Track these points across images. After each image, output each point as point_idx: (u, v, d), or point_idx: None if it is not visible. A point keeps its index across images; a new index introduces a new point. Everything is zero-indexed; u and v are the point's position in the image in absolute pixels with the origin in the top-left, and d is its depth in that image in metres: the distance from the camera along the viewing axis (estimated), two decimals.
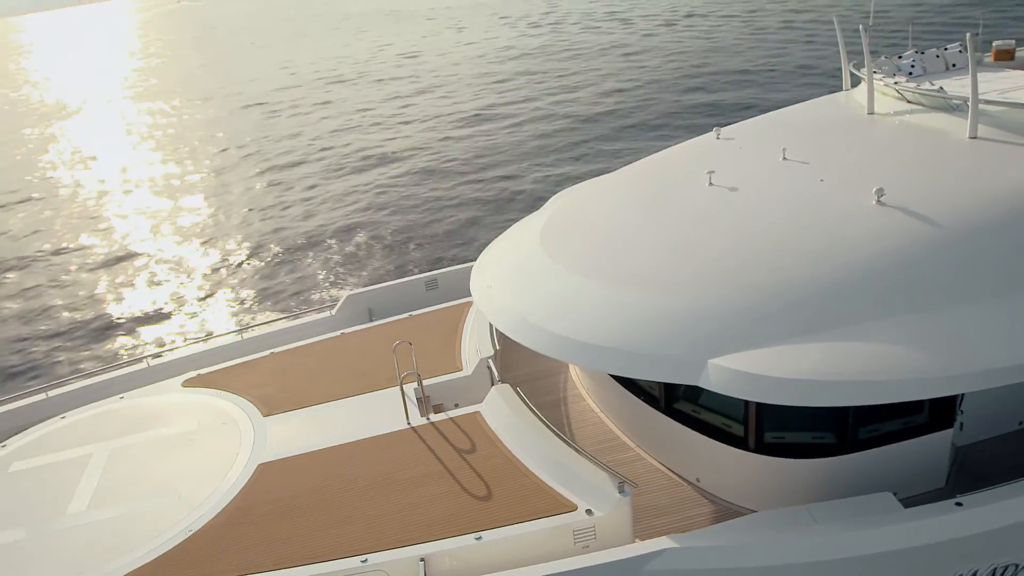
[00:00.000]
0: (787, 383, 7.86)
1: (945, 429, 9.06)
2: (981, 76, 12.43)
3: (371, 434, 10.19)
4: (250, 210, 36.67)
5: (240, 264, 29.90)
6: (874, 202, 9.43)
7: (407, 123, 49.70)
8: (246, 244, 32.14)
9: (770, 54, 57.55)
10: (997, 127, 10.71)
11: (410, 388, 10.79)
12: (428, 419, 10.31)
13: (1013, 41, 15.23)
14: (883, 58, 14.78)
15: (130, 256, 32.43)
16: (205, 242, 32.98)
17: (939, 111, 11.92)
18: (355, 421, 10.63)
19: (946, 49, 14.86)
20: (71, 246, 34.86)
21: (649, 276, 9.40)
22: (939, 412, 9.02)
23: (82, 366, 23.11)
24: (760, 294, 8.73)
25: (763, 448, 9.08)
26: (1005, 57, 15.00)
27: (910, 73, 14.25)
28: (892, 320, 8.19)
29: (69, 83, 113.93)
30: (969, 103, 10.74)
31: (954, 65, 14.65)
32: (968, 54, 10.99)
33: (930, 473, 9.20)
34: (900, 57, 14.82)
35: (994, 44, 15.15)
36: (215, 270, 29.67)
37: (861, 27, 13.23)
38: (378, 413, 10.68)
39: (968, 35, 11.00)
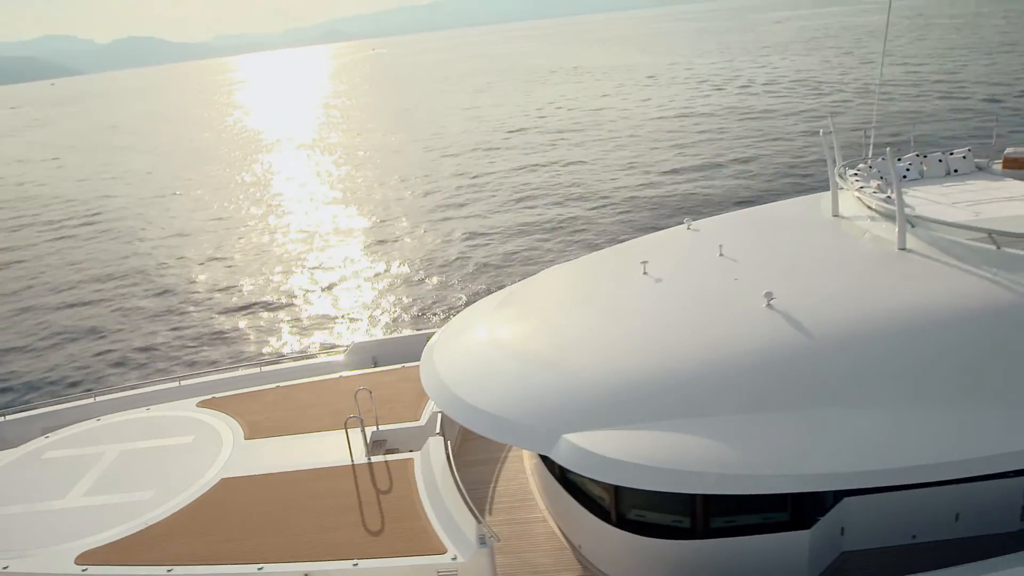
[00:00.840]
0: (624, 465, 8.41)
1: (802, 529, 9.19)
2: (983, 184, 13.46)
3: (319, 466, 11.70)
4: (410, 232, 36.94)
5: (374, 283, 28.99)
6: (764, 305, 9.72)
7: (579, 180, 48.33)
8: (390, 268, 31.48)
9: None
10: (930, 242, 10.71)
11: (377, 429, 12.54)
12: (370, 459, 11.68)
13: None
14: (880, 159, 14.78)
15: (275, 272, 32.78)
16: (353, 265, 32.57)
17: (892, 219, 11.68)
18: (313, 453, 12.13)
19: (951, 154, 14.83)
20: (234, 258, 35.93)
21: (551, 355, 10.16)
22: (800, 512, 9.25)
23: (136, 375, 25.60)
24: (633, 379, 9.31)
25: (624, 524, 9.68)
26: (1014, 166, 14.56)
27: (904, 176, 14.45)
28: (748, 416, 8.58)
29: (269, 117, 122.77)
30: (896, 215, 10.91)
31: (956, 171, 14.61)
32: (889, 163, 11.06)
33: (789, 571, 9.34)
34: (900, 160, 14.80)
35: (1005, 151, 14.81)
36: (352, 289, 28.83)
37: (821, 131, 13.64)
38: (334, 449, 12.05)
39: (888, 149, 11.58)
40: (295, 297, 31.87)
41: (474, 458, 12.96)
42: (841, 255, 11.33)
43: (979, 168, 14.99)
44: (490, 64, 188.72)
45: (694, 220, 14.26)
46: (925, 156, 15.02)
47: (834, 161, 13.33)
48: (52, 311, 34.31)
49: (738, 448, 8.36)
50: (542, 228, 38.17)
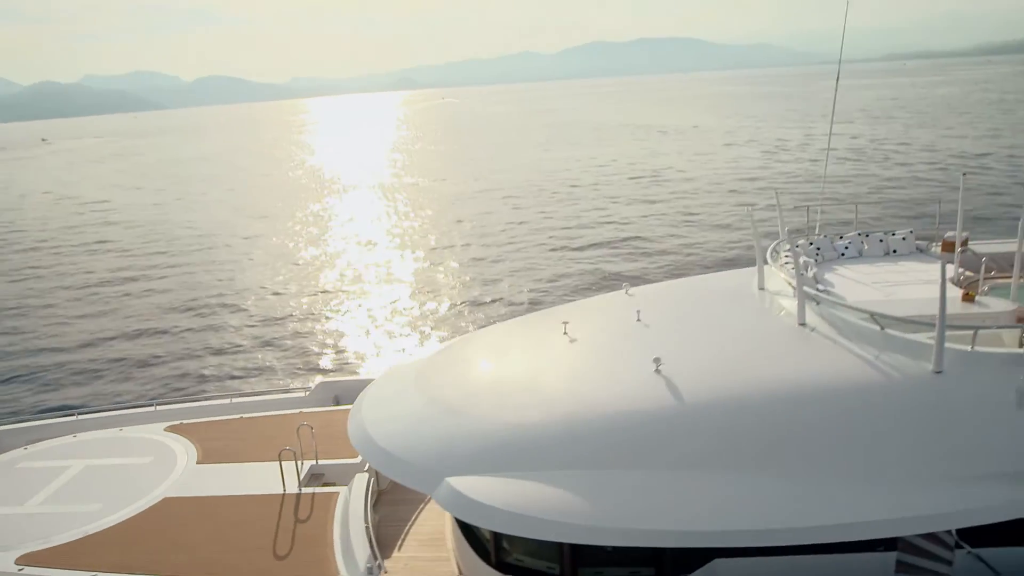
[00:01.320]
0: (494, 511, 9.03)
1: None
2: (914, 265, 14.13)
3: (254, 493, 12.75)
4: (441, 273, 38.06)
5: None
6: (652, 370, 10.29)
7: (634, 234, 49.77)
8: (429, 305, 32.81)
9: None
10: (828, 320, 10.97)
11: (316, 463, 13.62)
12: (300, 490, 12.71)
13: (966, 233, 14.86)
14: (823, 236, 15.30)
15: (325, 304, 34.44)
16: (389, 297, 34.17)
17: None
18: (253, 480, 13.18)
19: (893, 234, 15.38)
20: (287, 287, 37.95)
21: (458, 402, 10.98)
22: (666, 569, 9.54)
23: (126, 397, 26.93)
24: (523, 430, 9.95)
25: (502, 567, 10.18)
26: (950, 248, 14.57)
27: (842, 254, 15.01)
28: (623, 472, 9.22)
29: (335, 158, 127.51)
30: (796, 292, 11.28)
31: (895, 251, 15.15)
32: (789, 246, 11.64)
33: None
34: (841, 237, 15.44)
35: (945, 235, 15.12)
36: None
37: (747, 208, 14.35)
38: (273, 478, 12.98)
39: (787, 229, 12.12)
40: (301, 332, 32.95)
41: (403, 496, 13.47)
42: (746, 326, 11.79)
43: (919, 250, 15.48)
44: (554, 118, 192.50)
45: (633, 286, 14.95)
46: (867, 235, 15.56)
47: (758, 238, 13.78)
48: (82, 331, 36.88)
49: (608, 501, 8.98)
50: (582, 278, 39.33)
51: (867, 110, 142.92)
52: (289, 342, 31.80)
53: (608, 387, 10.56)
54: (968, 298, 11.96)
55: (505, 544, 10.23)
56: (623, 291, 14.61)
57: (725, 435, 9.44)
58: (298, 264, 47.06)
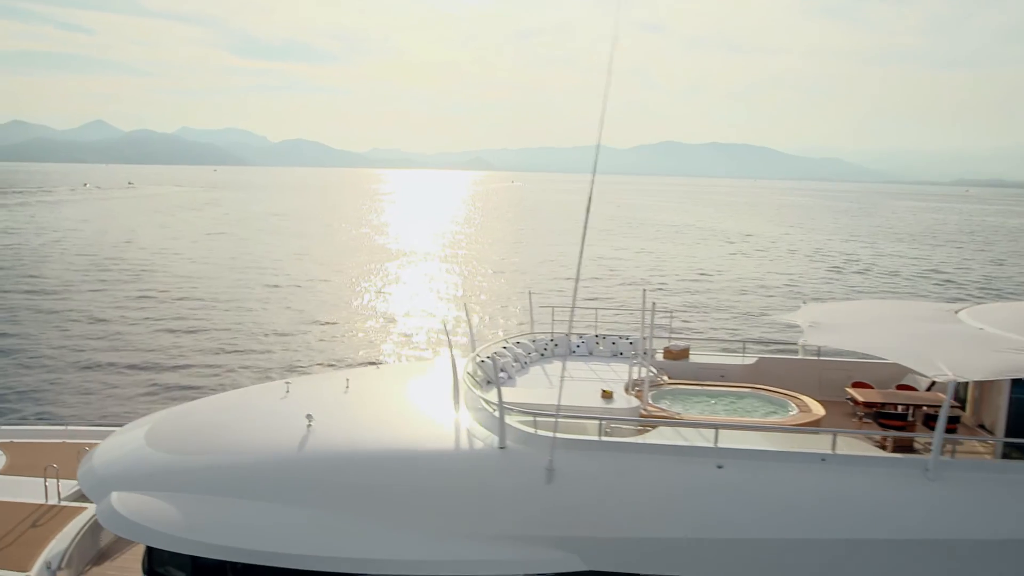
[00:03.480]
0: (126, 521, 10.56)
1: None
2: (612, 367, 15.50)
3: (17, 500, 14.45)
4: None
5: None
6: (307, 425, 11.85)
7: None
8: None
9: None
10: (524, 443, 11.03)
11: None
12: (59, 502, 14.39)
13: (687, 345, 17.01)
14: (561, 335, 16.90)
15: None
16: None
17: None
18: (27, 493, 14.68)
19: (627, 338, 17.21)
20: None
21: (163, 433, 12.65)
22: None
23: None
24: (187, 459, 11.58)
25: (151, 574, 11.42)
26: (669, 356, 16.61)
27: (574, 351, 16.69)
28: (248, 501, 10.59)
29: (404, 226, 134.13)
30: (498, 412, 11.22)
31: (621, 353, 16.79)
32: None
33: None
34: (580, 337, 17.19)
35: (667, 346, 16.93)
36: None
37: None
38: (42, 491, 14.66)
39: (469, 352, 12.86)
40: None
41: None
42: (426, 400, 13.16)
43: (645, 353, 16.11)
44: (617, 212, 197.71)
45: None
46: (603, 337, 17.12)
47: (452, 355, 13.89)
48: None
49: (222, 522, 10.32)
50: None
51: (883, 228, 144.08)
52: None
53: (265, 435, 12.04)
54: (606, 395, 13.38)
55: (155, 555, 11.31)
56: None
57: (321, 482, 10.85)
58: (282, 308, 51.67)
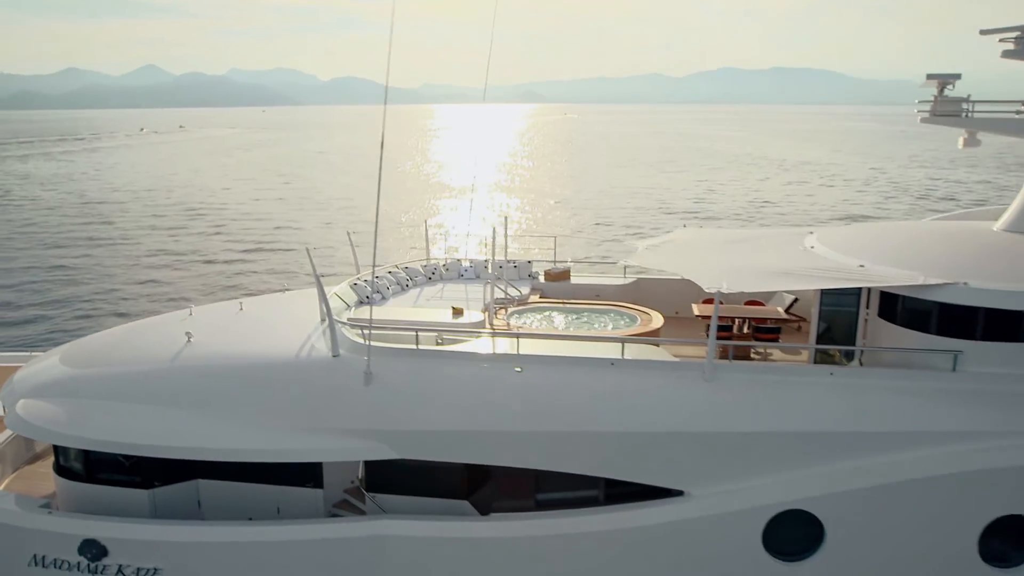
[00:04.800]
0: (22, 420, 12.23)
1: (144, 489, 12.61)
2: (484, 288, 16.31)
3: None
4: None
5: None
6: (186, 341, 13.41)
7: None
8: None
9: None
10: (355, 351, 12.53)
11: None
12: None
13: (570, 265, 18.37)
14: (453, 260, 18.38)
15: None
16: None
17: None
18: None
19: (512, 262, 18.30)
20: None
21: (77, 352, 14.02)
22: (148, 478, 12.59)
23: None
24: (92, 370, 13.15)
25: (61, 471, 13.15)
26: (549, 278, 17.96)
27: (462, 274, 18.10)
28: (141, 405, 12.20)
29: (455, 162, 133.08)
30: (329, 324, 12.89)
31: (475, 275, 18.18)
32: (314, 275, 13.47)
33: (134, 515, 12.52)
34: (471, 262, 18.41)
35: (548, 269, 18.20)
36: None
37: (307, 248, 16.52)
38: None
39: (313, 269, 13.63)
40: None
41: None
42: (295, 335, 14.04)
43: (531, 276, 18.28)
44: (672, 143, 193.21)
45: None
46: (489, 261, 18.08)
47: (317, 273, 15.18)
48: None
49: (114, 422, 11.93)
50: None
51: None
52: None
53: (150, 351, 13.57)
54: (456, 312, 14.97)
55: (62, 452, 13.12)
56: (237, 305, 16.57)
57: (186, 387, 12.47)
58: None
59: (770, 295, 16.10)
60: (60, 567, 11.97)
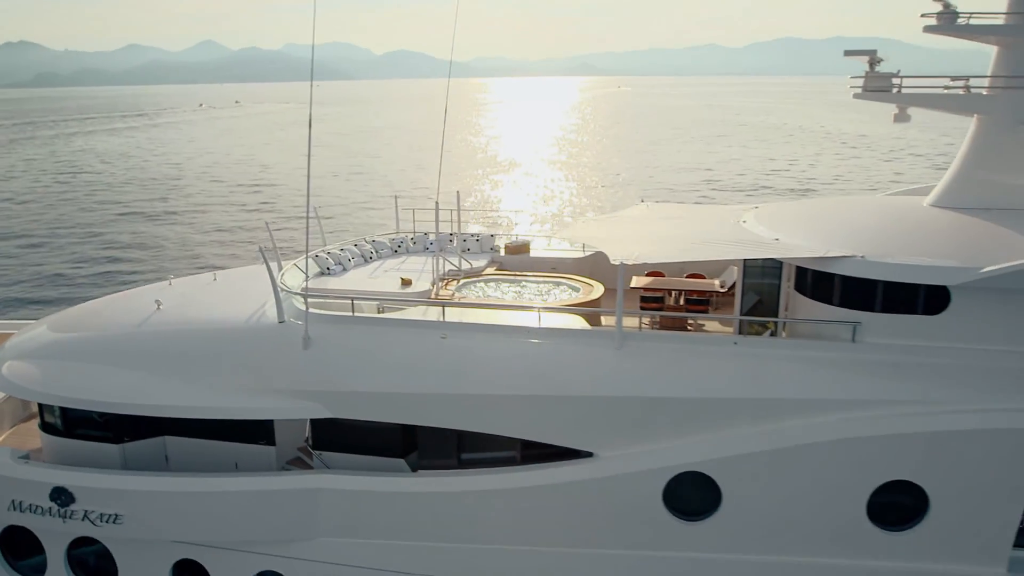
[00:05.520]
0: (6, 382, 13.47)
1: (114, 444, 13.74)
2: (452, 260, 17.37)
3: None
4: None
5: None
6: (156, 309, 14.56)
7: None
8: None
9: None
10: (294, 317, 13.44)
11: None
12: None
13: (528, 241, 18.72)
14: (420, 234, 19.11)
15: None
16: None
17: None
18: None
19: (476, 236, 18.97)
20: None
21: (66, 320, 15.19)
22: (118, 434, 13.73)
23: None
24: (80, 336, 14.29)
25: (46, 428, 14.24)
26: (510, 251, 18.41)
27: (428, 247, 18.76)
28: (112, 367, 13.33)
29: (505, 135, 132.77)
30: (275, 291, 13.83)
31: (469, 249, 18.62)
32: (261, 251, 14.37)
33: (107, 465, 13.65)
34: (427, 235, 18.99)
35: (508, 242, 18.71)
36: None
37: (266, 223, 17.52)
38: None
39: (260, 246, 14.41)
40: None
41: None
42: (251, 305, 14.94)
43: (492, 250, 18.87)
44: (726, 116, 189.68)
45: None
46: (455, 235, 18.73)
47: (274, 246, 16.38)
48: None
49: (86, 382, 13.12)
50: None
51: None
52: None
53: (125, 317, 14.73)
54: (404, 282, 16.01)
55: (44, 411, 14.25)
56: (211, 277, 17.49)
57: (150, 350, 13.59)
58: None
59: (722, 269, 16.44)
60: (35, 512, 13.24)
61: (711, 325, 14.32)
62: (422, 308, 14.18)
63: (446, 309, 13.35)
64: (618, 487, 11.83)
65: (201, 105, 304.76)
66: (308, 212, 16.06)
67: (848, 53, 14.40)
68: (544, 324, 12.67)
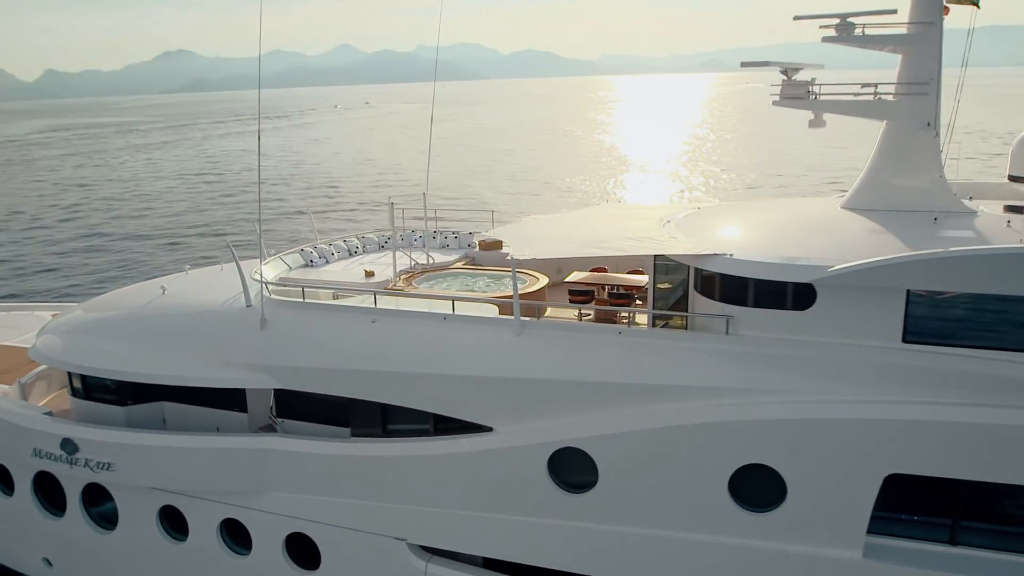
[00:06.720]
0: (41, 352, 16.19)
1: (119, 407, 16.07)
2: (441, 255, 19.63)
3: None
4: None
5: None
6: (161, 292, 17.01)
7: None
8: None
9: None
10: (265, 306, 15.20)
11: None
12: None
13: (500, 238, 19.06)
14: (407, 231, 20.62)
15: None
16: None
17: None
18: None
19: (455, 234, 20.75)
20: None
21: (96, 305, 17.86)
22: (123, 398, 16.10)
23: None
24: (110, 315, 16.90)
25: (73, 392, 16.69)
26: (484, 247, 19.50)
27: (413, 243, 20.28)
28: (125, 344, 15.75)
29: (630, 136, 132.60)
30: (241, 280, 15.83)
31: (447, 245, 20.53)
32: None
33: (108, 423, 16.04)
34: (413, 232, 20.52)
35: (481, 237, 19.82)
36: None
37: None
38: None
39: (228, 244, 16.79)
40: None
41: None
42: (225, 299, 16.63)
43: (469, 246, 20.38)
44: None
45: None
46: (438, 232, 20.66)
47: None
48: None
49: (98, 353, 15.64)
50: None
51: None
52: None
53: (136, 299, 17.24)
54: (368, 274, 17.82)
55: (72, 378, 16.67)
56: (217, 268, 19.80)
57: (148, 328, 16.02)
58: None
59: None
60: (50, 458, 15.92)
61: (640, 318, 15.05)
62: (368, 296, 15.81)
63: (378, 297, 15.19)
64: (509, 459, 13.20)
65: (336, 106, 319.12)
66: (259, 215, 18.35)
67: (744, 64, 15.36)
68: (459, 312, 14.31)
